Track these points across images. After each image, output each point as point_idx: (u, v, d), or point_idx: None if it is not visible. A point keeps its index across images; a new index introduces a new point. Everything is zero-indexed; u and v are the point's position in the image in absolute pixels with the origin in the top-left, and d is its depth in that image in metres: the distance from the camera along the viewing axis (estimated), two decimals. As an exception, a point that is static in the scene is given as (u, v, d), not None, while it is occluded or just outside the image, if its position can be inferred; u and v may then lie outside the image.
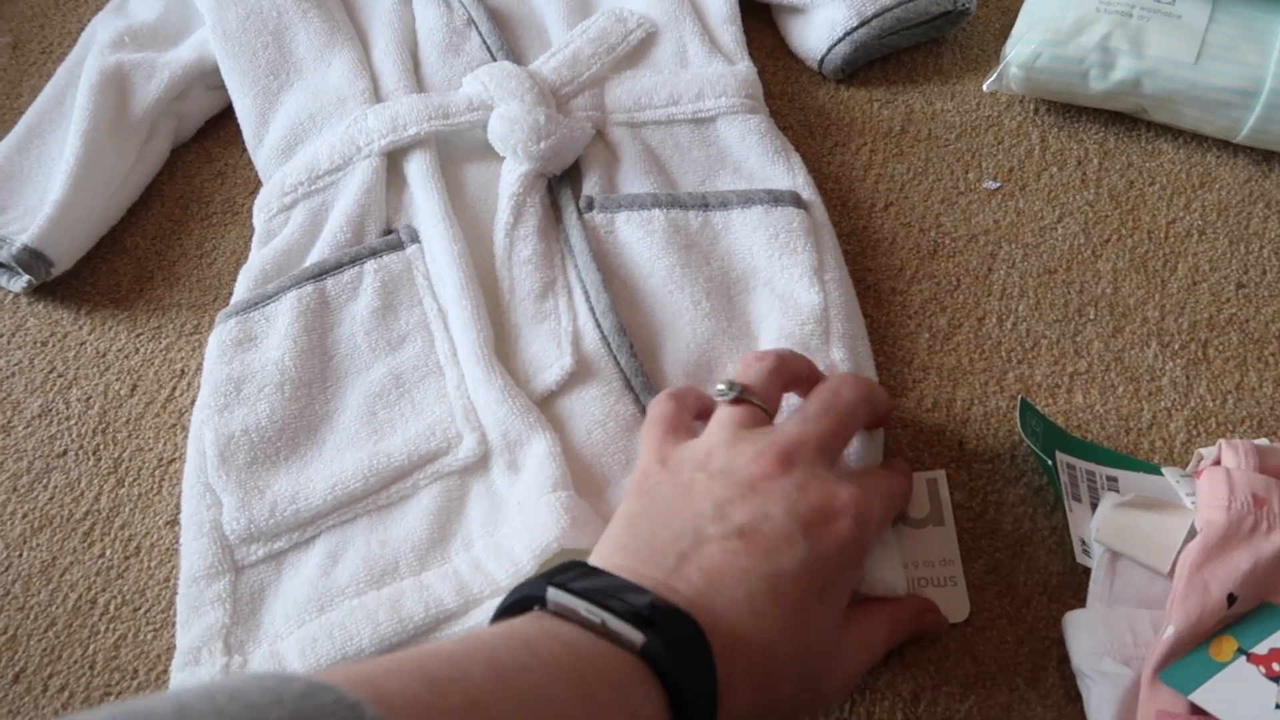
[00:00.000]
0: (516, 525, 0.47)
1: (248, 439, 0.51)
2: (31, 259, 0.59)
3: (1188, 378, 0.52)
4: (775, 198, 0.54)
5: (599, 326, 0.51)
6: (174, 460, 0.55)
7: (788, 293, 0.52)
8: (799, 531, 0.39)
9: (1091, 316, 0.54)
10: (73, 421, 0.58)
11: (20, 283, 0.61)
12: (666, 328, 0.52)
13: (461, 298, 0.52)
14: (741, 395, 0.44)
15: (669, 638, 0.35)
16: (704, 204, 0.55)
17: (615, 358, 0.50)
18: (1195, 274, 0.55)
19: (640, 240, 0.54)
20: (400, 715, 0.29)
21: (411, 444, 0.50)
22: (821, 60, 0.63)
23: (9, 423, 0.58)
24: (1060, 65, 0.56)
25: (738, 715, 0.36)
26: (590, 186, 0.57)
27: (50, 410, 0.58)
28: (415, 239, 0.56)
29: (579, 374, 0.50)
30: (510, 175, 0.56)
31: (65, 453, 0.57)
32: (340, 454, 0.51)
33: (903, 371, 0.53)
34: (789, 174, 0.56)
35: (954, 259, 0.57)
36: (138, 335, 0.60)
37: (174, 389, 0.58)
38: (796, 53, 0.66)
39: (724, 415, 0.44)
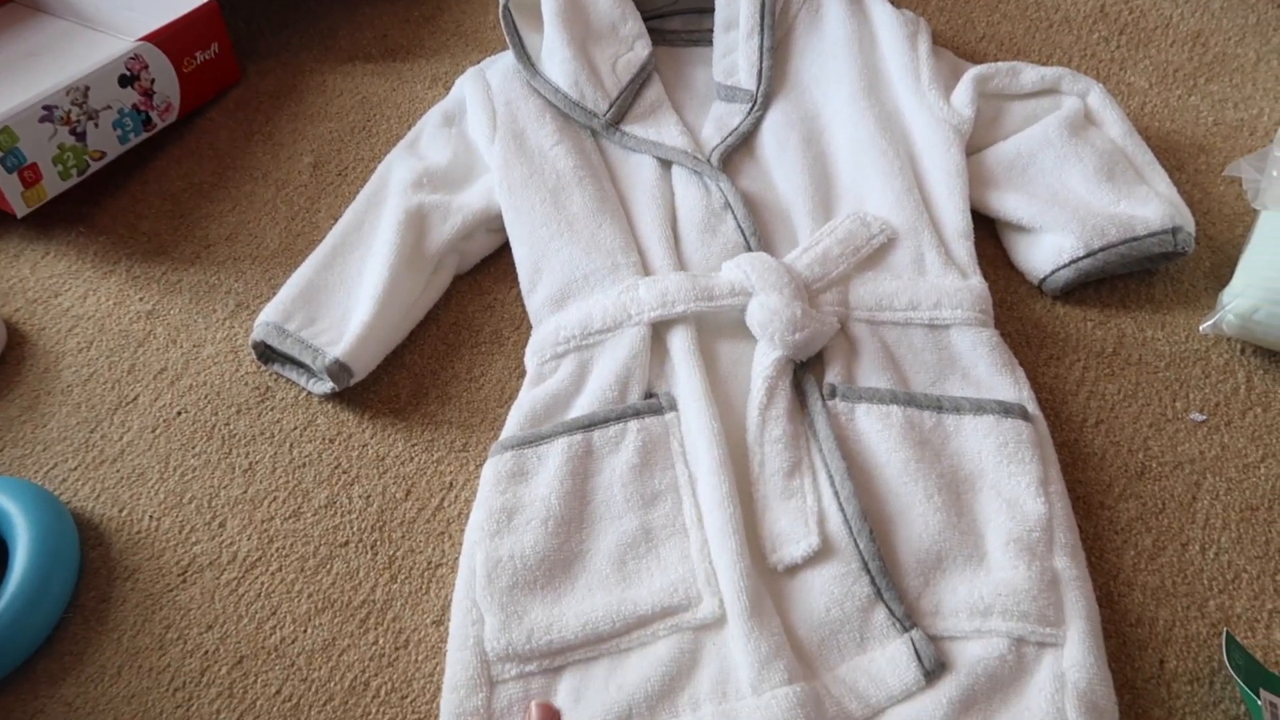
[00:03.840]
0: (751, 708, 0.53)
1: (512, 565, 0.59)
2: (339, 370, 0.68)
3: (1384, 632, 0.56)
4: (1005, 409, 0.61)
5: (842, 510, 0.58)
6: (440, 565, 0.63)
7: (1014, 499, 0.58)
8: None
9: (1291, 558, 0.58)
10: (354, 516, 0.66)
11: (324, 387, 0.70)
12: (899, 516, 0.58)
13: (717, 471, 0.59)
14: None
15: None
16: (938, 406, 0.62)
17: (855, 540, 0.57)
18: (1394, 531, 0.59)
19: (879, 432, 0.61)
20: None
21: (656, 596, 0.57)
22: (1044, 280, 0.70)
23: (299, 509, 0.67)
24: (1277, 322, 0.62)
25: None
26: (833, 375, 0.64)
27: (335, 503, 0.67)
28: (674, 406, 0.64)
29: (820, 552, 0.57)
30: (764, 359, 0.63)
31: (347, 543, 0.65)
32: (590, 593, 0.58)
33: (1108, 584, 0.58)
34: (1015, 387, 0.63)
35: (1160, 483, 0.62)
36: (413, 445, 0.69)
37: (443, 499, 0.66)
38: (1019, 266, 0.73)
39: None
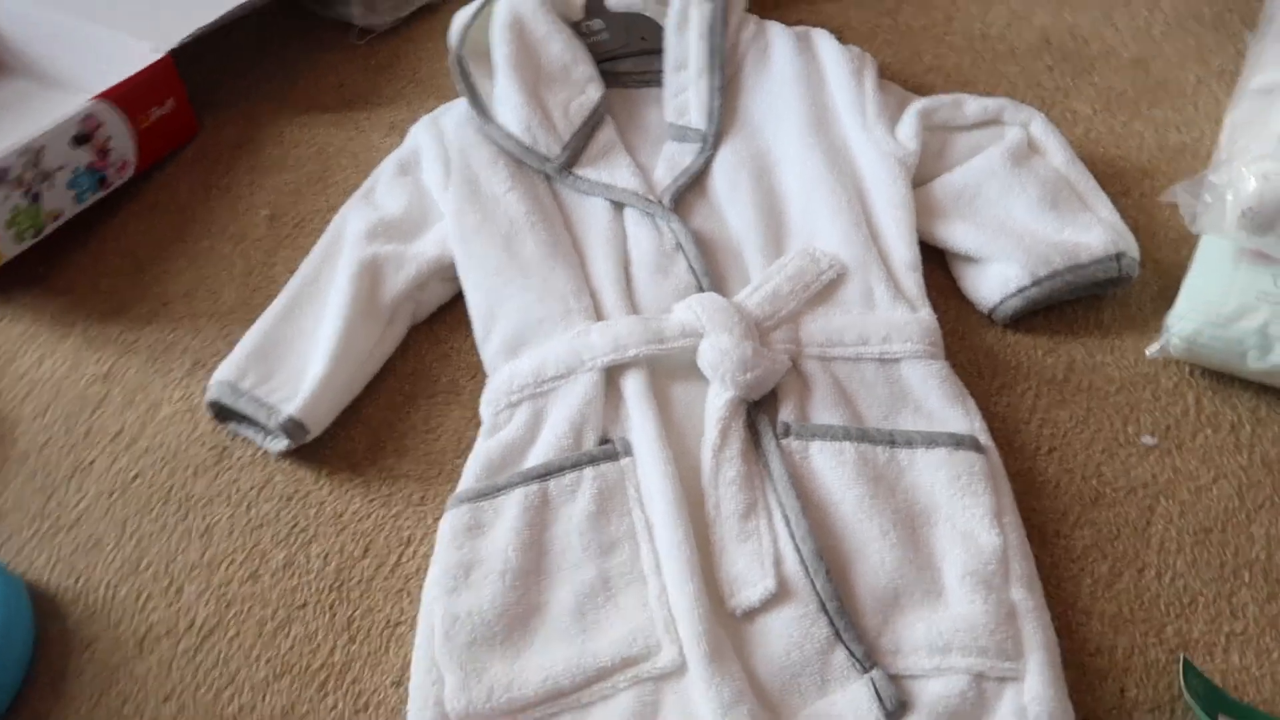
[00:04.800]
0: None
1: (470, 621, 0.58)
2: (294, 427, 0.68)
3: (1340, 651, 0.56)
4: (957, 441, 0.61)
5: (798, 551, 0.58)
6: (399, 623, 0.63)
7: (969, 531, 0.58)
8: None
9: (1246, 580, 0.59)
10: (312, 576, 0.66)
11: (280, 445, 0.70)
12: (856, 554, 0.58)
13: (673, 515, 0.59)
14: None
15: None
16: (891, 440, 0.62)
17: (812, 581, 0.57)
18: (1346, 549, 0.59)
19: (833, 469, 0.61)
20: None
21: (615, 646, 0.57)
22: (993, 309, 0.71)
23: (257, 571, 0.66)
24: (1220, 345, 0.62)
25: None
26: (786, 413, 0.64)
27: (293, 563, 0.66)
28: (629, 451, 0.64)
29: (778, 594, 0.57)
30: (717, 400, 0.63)
31: (305, 605, 0.64)
32: (549, 646, 0.58)
33: (1066, 613, 0.58)
34: (967, 418, 0.63)
35: (1114, 509, 0.62)
36: (370, 500, 0.69)
37: (401, 555, 0.66)
38: (968, 296, 0.73)
39: None
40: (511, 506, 0.62)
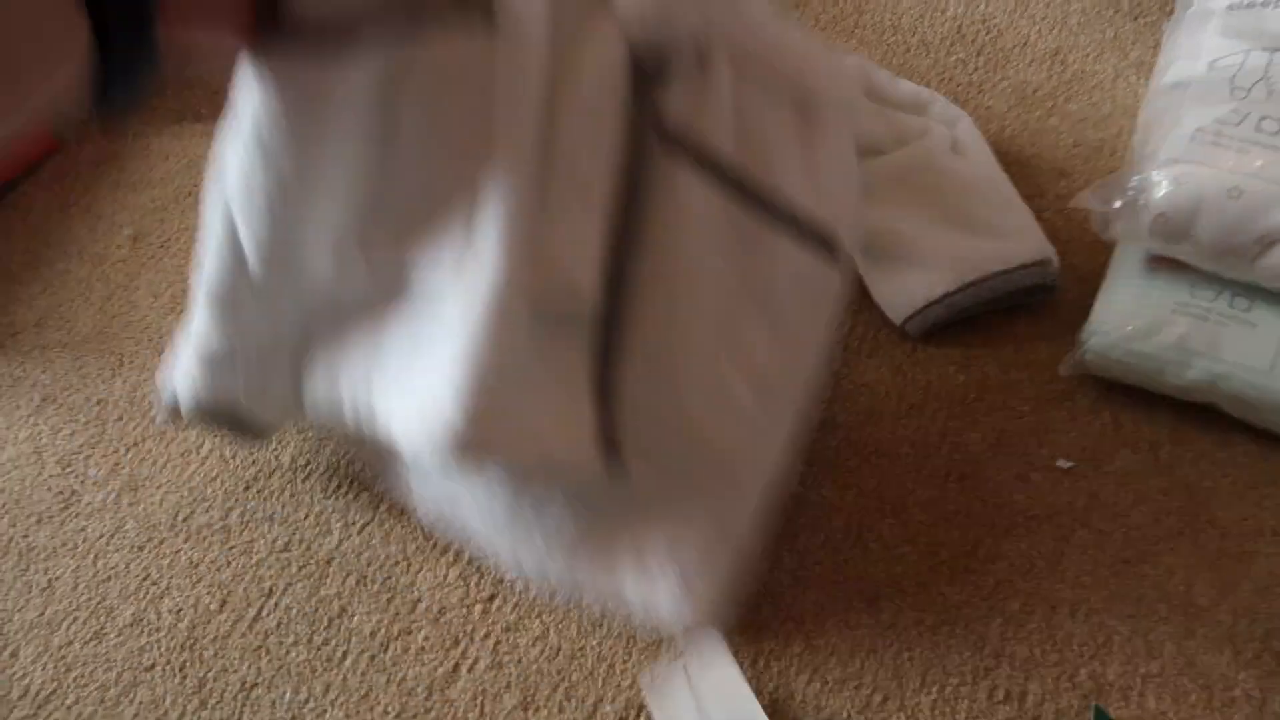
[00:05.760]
0: None
1: None
2: (140, 472, 0.62)
3: (1261, 691, 0.52)
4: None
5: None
6: (255, 685, 0.57)
7: None
8: None
9: (1164, 614, 0.55)
10: (162, 634, 0.60)
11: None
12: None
13: None
14: None
15: None
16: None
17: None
18: (1268, 577, 0.56)
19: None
20: None
21: None
22: (911, 318, 0.66)
23: (102, 629, 0.60)
24: (1137, 360, 0.58)
25: None
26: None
27: (141, 620, 0.60)
28: None
29: None
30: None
31: (153, 666, 0.58)
32: None
33: (974, 657, 0.54)
34: None
35: (1027, 539, 0.58)
36: (230, 548, 0.63)
37: (262, 608, 0.60)
38: (881, 304, 0.68)
39: None
40: None
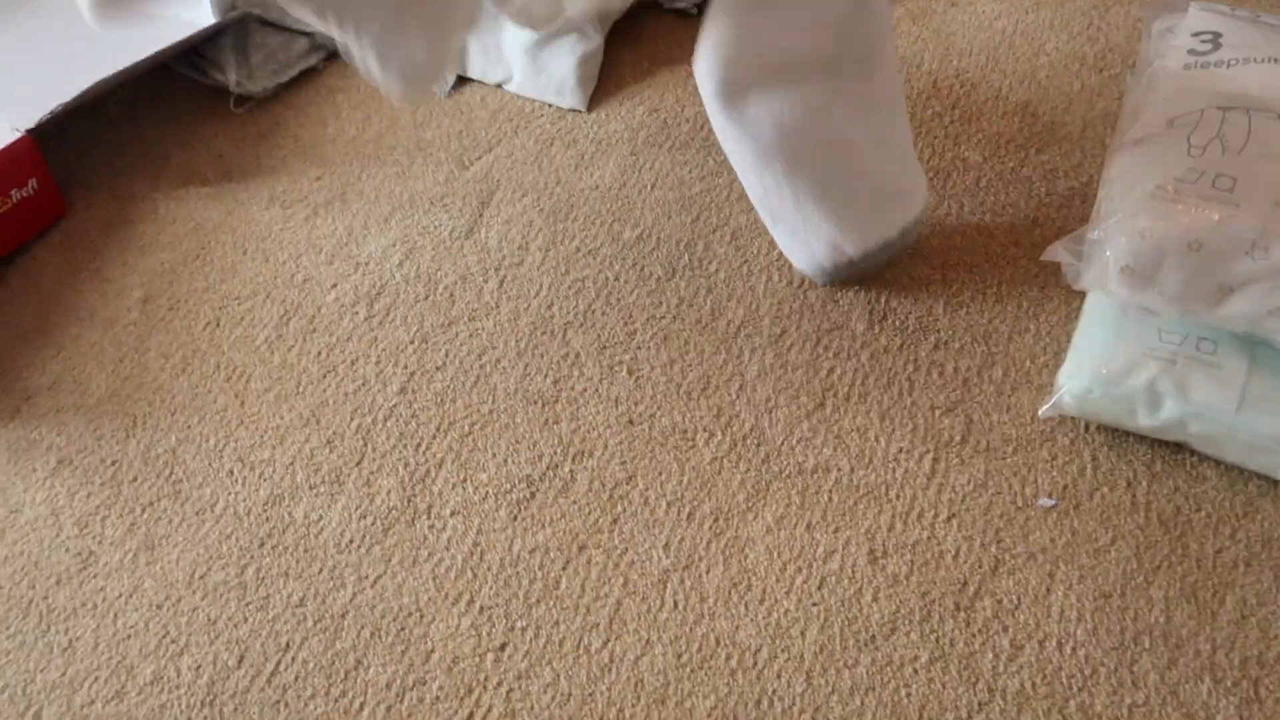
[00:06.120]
0: None
1: None
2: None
3: (1241, 717, 0.55)
4: None
5: None
6: (276, 740, 0.59)
7: None
8: None
9: (1146, 646, 0.57)
10: (182, 691, 0.61)
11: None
12: None
13: None
14: None
15: None
16: None
17: None
18: (1244, 607, 0.58)
19: None
20: None
21: None
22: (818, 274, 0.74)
23: (123, 688, 0.62)
24: (1110, 403, 0.61)
25: None
26: None
27: (162, 677, 0.62)
28: None
29: None
30: None
31: (174, 724, 0.60)
32: None
33: (969, 693, 0.57)
34: None
35: (1014, 576, 0.61)
36: (246, 604, 0.64)
37: (279, 663, 0.62)
38: (788, 254, 0.75)
39: None
40: None
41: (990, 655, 0.58)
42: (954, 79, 0.91)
